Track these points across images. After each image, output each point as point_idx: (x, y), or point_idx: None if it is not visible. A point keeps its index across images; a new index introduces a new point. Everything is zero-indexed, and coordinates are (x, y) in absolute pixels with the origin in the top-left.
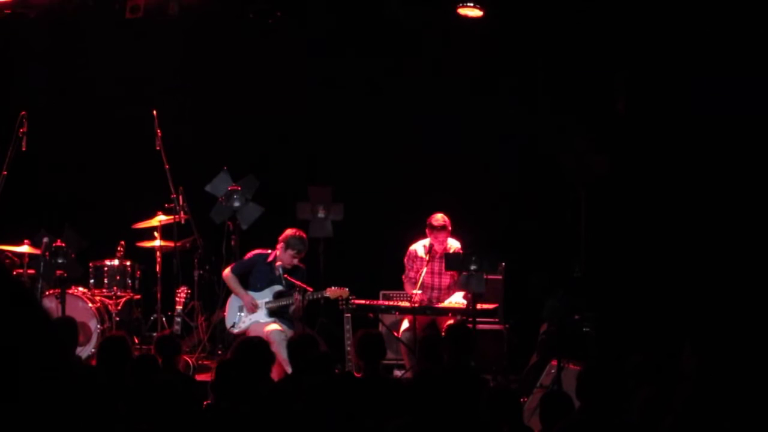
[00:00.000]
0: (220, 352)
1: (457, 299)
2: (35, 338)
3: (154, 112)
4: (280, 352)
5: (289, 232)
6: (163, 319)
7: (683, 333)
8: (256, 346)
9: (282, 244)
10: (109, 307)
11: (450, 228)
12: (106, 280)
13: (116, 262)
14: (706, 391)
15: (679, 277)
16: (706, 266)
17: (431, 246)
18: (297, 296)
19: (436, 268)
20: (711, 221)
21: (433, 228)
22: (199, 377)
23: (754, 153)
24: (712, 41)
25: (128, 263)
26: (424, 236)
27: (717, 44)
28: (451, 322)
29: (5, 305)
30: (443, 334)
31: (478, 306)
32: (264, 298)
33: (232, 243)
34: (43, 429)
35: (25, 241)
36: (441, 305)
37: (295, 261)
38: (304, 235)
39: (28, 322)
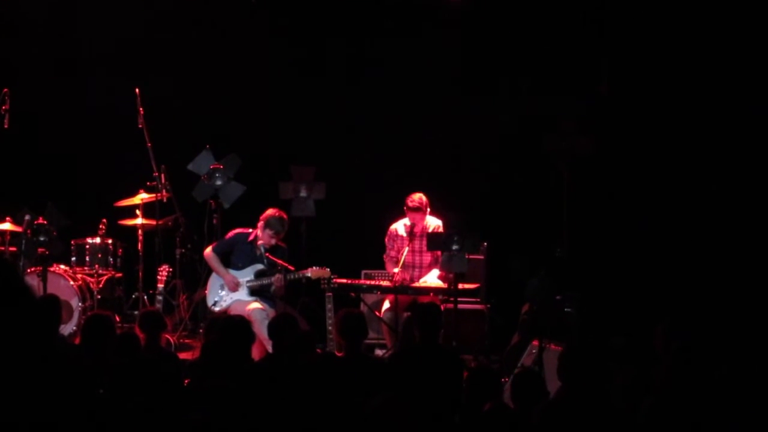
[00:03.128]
0: (201, 330)
1: (432, 278)
2: (22, 316)
3: (137, 90)
4: (261, 330)
5: (269, 212)
6: (145, 297)
7: (660, 314)
8: (237, 325)
9: (262, 223)
10: (91, 285)
11: (427, 208)
12: (87, 258)
13: (98, 240)
14: (682, 374)
15: (661, 258)
16: (688, 247)
17: (412, 225)
18: (278, 276)
19: (417, 247)
20: (694, 202)
21: (409, 208)
22: (182, 355)
23: (740, 133)
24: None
25: (110, 241)
26: (405, 215)
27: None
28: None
29: None
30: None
31: (460, 286)
32: (245, 277)
33: (214, 222)
34: (29, 406)
35: (7, 218)
36: (419, 284)
37: (274, 241)
38: (285, 216)
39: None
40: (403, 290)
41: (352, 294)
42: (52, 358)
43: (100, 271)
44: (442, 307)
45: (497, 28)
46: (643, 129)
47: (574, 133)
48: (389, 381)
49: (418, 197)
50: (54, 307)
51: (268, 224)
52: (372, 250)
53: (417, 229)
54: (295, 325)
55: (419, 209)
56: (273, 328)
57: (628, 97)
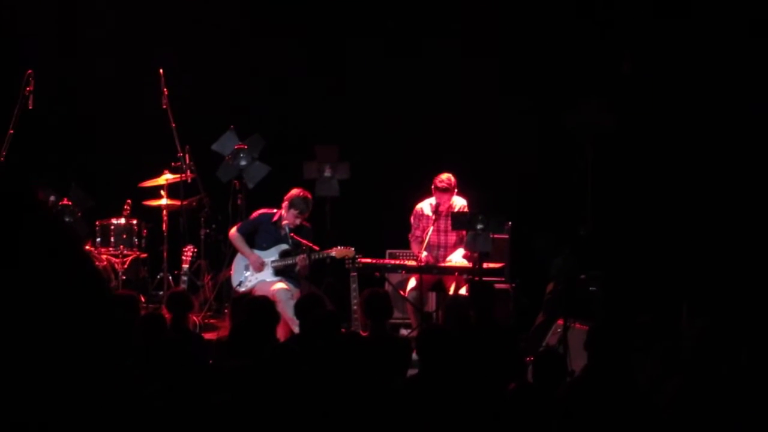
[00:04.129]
0: (226, 311)
1: (457, 258)
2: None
3: (161, 70)
4: (286, 311)
5: (293, 191)
6: (170, 277)
7: (685, 294)
8: (262, 305)
9: (286, 203)
10: (116, 265)
11: (455, 188)
12: (112, 239)
13: (123, 220)
14: (707, 353)
15: (686, 236)
16: (713, 225)
17: (437, 204)
18: (303, 256)
19: (442, 227)
20: (720, 179)
21: (438, 189)
22: (206, 336)
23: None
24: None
25: (135, 222)
26: (431, 195)
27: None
28: (454, 284)
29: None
30: (450, 293)
31: (485, 265)
32: (270, 257)
33: (239, 202)
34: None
35: None
36: (445, 264)
37: (299, 221)
38: (309, 196)
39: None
40: (428, 270)
41: (377, 273)
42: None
43: (125, 252)
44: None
45: (522, 7)
46: (668, 105)
47: (596, 110)
48: (418, 360)
49: (446, 177)
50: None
51: (292, 204)
52: (397, 230)
53: (443, 209)
54: (322, 304)
55: (448, 189)
56: (300, 307)
57: (651, 74)
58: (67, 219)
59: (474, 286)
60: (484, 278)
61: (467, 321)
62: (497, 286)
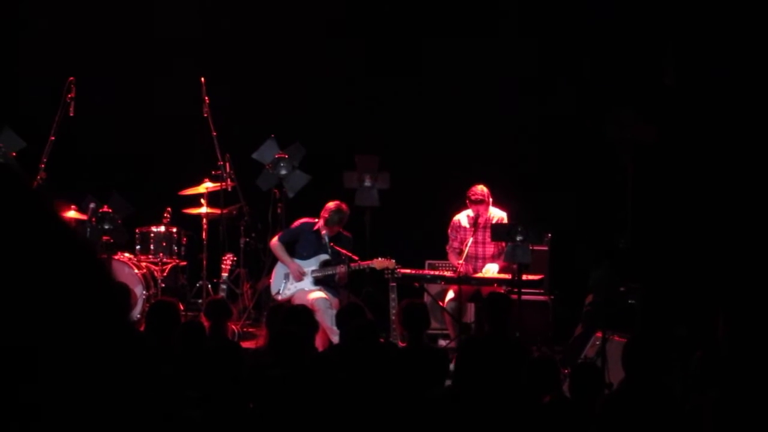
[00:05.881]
0: (264, 320)
1: (492, 269)
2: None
3: (202, 79)
4: (325, 320)
5: (328, 205)
6: (209, 286)
7: (722, 306)
8: (300, 314)
9: (322, 218)
10: (155, 273)
11: (489, 200)
12: (152, 247)
13: (162, 228)
14: (743, 364)
15: (726, 249)
16: (754, 239)
17: (476, 216)
18: (343, 266)
19: (480, 238)
20: (757, 192)
21: (472, 201)
22: (244, 344)
23: None
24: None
25: (174, 230)
26: (468, 206)
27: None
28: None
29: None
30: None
31: (524, 277)
32: (310, 266)
33: (279, 210)
34: (101, 389)
35: (72, 206)
36: (483, 275)
37: (336, 229)
38: (344, 207)
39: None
40: (466, 281)
41: (416, 284)
42: (128, 343)
43: (165, 260)
44: None
45: (561, 17)
46: (709, 117)
47: (636, 122)
48: (453, 371)
49: (480, 189)
50: (124, 296)
51: (327, 220)
52: (436, 241)
53: (480, 221)
54: (363, 314)
55: (482, 201)
56: (341, 317)
57: (693, 87)
58: (107, 226)
59: (491, 296)
60: (522, 290)
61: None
62: (535, 297)
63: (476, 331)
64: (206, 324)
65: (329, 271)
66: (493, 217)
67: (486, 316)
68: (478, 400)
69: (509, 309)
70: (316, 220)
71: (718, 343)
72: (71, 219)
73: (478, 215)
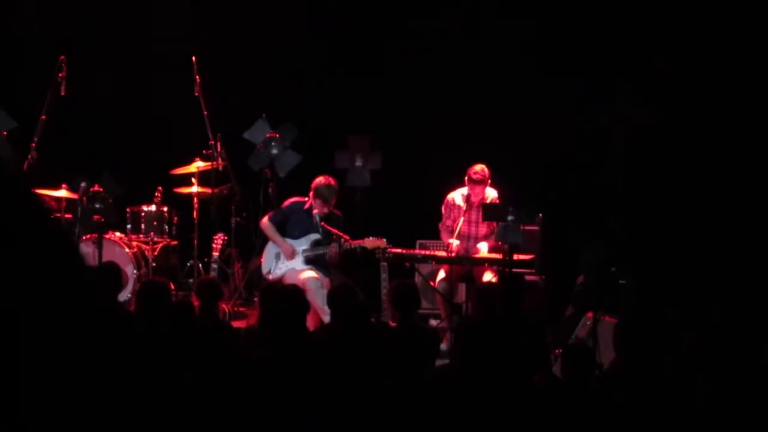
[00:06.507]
0: (256, 299)
1: (483, 249)
2: (72, 284)
3: (194, 58)
4: (316, 299)
5: (318, 180)
6: (200, 265)
7: (715, 289)
8: (291, 294)
9: (312, 192)
10: (146, 252)
11: (488, 180)
12: (143, 226)
13: (153, 207)
14: (736, 348)
15: (717, 230)
16: (746, 221)
17: (469, 195)
18: (334, 246)
19: (473, 217)
20: (750, 174)
21: (472, 180)
22: (235, 324)
23: None
24: None
25: (165, 209)
26: (462, 185)
27: None
28: (489, 274)
29: (42, 251)
30: (479, 282)
31: (515, 257)
32: (301, 246)
33: (270, 190)
34: (84, 372)
35: (63, 185)
36: (475, 255)
37: (326, 209)
38: (334, 182)
39: (65, 268)
40: (458, 261)
41: (407, 264)
42: (106, 326)
43: (156, 239)
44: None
45: (560, 4)
46: (702, 100)
47: (630, 105)
48: (447, 351)
49: (480, 168)
50: (113, 275)
51: (316, 193)
52: (427, 220)
53: (475, 200)
54: (354, 294)
55: (482, 181)
56: (332, 297)
57: (687, 70)
58: (98, 205)
59: (503, 277)
60: (514, 270)
61: (494, 310)
62: (527, 278)
63: (468, 311)
64: (197, 304)
65: (320, 251)
66: (487, 197)
67: (499, 298)
68: (471, 380)
69: (522, 290)
70: (307, 199)
71: (710, 325)
72: (47, 202)
73: (472, 195)
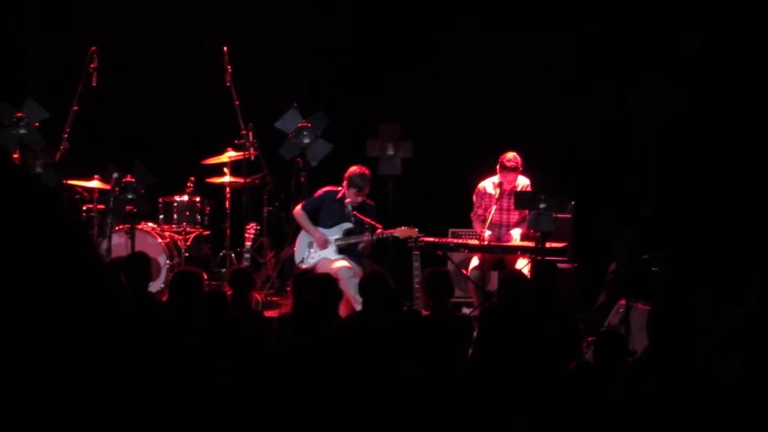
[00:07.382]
0: (288, 288)
1: (515, 235)
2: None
3: (225, 48)
4: (348, 288)
5: (352, 169)
6: (232, 255)
7: (752, 272)
8: (324, 282)
9: (346, 181)
10: (178, 242)
11: (521, 168)
12: (175, 216)
13: (185, 197)
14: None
15: (749, 216)
16: None
17: (501, 183)
18: (366, 235)
19: (505, 205)
20: None
21: (505, 167)
22: (268, 313)
23: None
24: None
25: (197, 199)
26: (494, 173)
27: None
28: (523, 261)
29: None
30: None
31: (547, 245)
32: (333, 235)
33: (302, 180)
34: (107, 363)
35: (95, 176)
36: (507, 244)
37: (360, 198)
38: (367, 172)
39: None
40: (490, 249)
41: (439, 252)
42: (121, 319)
43: (188, 229)
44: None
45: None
46: (733, 84)
47: (660, 90)
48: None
49: (512, 156)
50: (143, 265)
51: (351, 182)
52: (459, 209)
53: (506, 188)
54: (386, 283)
55: (515, 168)
56: (364, 285)
57: (718, 53)
58: (130, 196)
59: (536, 265)
60: (546, 258)
61: (524, 297)
62: (559, 265)
63: (497, 299)
64: (229, 293)
65: (352, 240)
66: (518, 185)
67: (532, 286)
68: (501, 368)
69: (555, 278)
70: (339, 188)
71: (744, 311)
72: (66, 199)
73: (503, 183)
